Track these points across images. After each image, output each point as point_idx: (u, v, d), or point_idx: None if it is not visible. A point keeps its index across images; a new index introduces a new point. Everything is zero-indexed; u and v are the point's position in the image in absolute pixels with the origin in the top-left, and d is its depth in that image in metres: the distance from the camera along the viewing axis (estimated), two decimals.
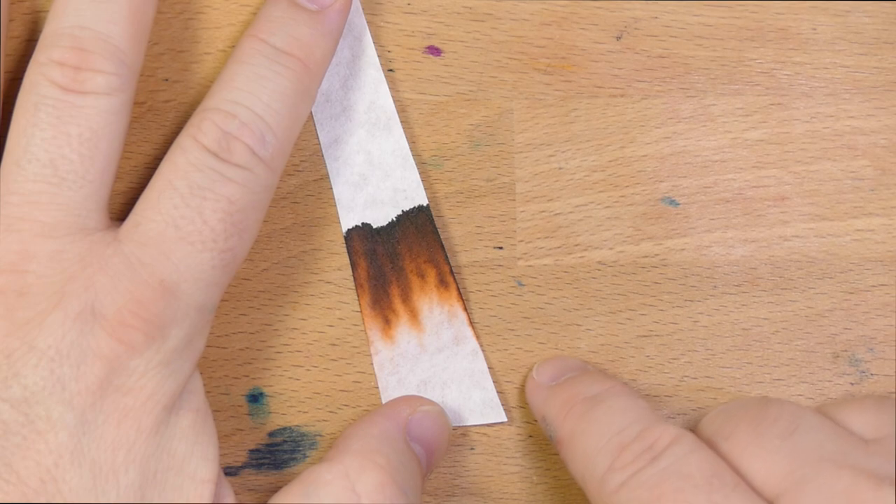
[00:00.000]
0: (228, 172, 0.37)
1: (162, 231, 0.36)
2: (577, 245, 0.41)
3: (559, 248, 0.41)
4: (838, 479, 0.34)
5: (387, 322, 0.41)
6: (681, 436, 0.36)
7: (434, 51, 0.41)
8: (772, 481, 0.35)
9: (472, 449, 0.41)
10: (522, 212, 0.41)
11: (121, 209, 0.40)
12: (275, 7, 0.39)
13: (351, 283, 0.41)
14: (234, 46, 0.40)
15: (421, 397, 0.41)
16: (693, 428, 0.38)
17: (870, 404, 0.37)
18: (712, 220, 0.41)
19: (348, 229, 0.41)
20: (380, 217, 0.41)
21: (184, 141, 0.37)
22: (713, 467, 0.35)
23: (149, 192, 0.37)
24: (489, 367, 0.41)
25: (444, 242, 0.41)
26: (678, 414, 0.41)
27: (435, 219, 0.41)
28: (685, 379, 0.41)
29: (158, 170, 0.37)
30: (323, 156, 0.41)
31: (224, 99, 0.37)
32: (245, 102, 0.37)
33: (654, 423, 0.37)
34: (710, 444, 0.37)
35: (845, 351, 0.41)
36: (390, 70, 0.41)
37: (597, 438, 0.37)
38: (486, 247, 0.41)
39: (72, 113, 0.36)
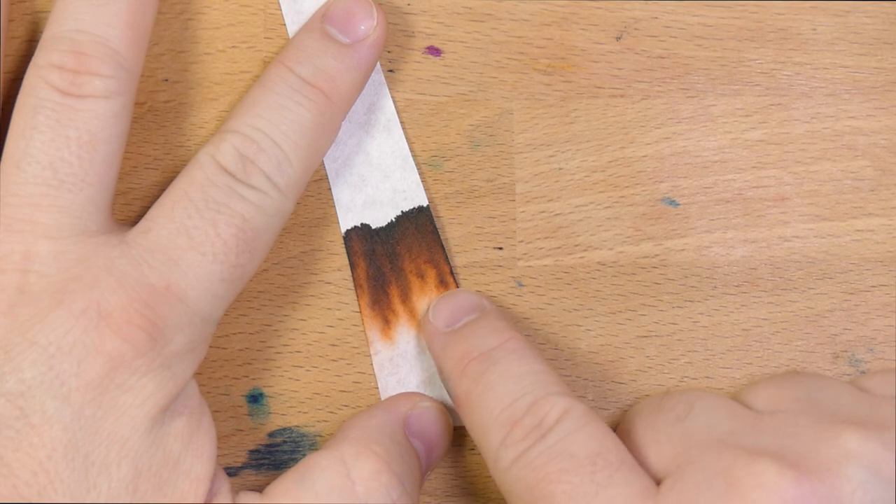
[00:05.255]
0: (244, 192, 0.37)
1: (173, 239, 0.36)
2: (577, 245, 0.41)
3: (559, 248, 0.41)
4: (719, 459, 0.35)
5: (386, 322, 0.41)
6: (570, 409, 0.36)
7: (434, 51, 0.41)
8: (662, 465, 0.36)
9: (472, 449, 0.41)
10: (522, 212, 0.41)
11: (120, 209, 0.40)
12: (307, 36, 0.39)
13: (350, 284, 0.41)
14: (234, 47, 0.40)
15: (421, 394, 0.41)
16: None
17: (774, 381, 0.38)
18: (712, 220, 0.41)
19: (347, 230, 0.41)
20: (379, 217, 0.41)
21: (202, 157, 0.37)
22: (599, 445, 0.36)
23: (163, 201, 0.37)
24: None
25: (443, 243, 0.41)
26: None
27: (435, 219, 0.41)
28: (685, 379, 0.41)
29: (174, 182, 0.37)
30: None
31: (245, 123, 0.38)
32: (264, 129, 0.37)
33: (546, 393, 0.37)
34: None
35: (845, 351, 0.41)
36: (390, 70, 0.41)
37: (490, 409, 0.37)
38: (486, 247, 0.41)
39: (70, 116, 0.36)
